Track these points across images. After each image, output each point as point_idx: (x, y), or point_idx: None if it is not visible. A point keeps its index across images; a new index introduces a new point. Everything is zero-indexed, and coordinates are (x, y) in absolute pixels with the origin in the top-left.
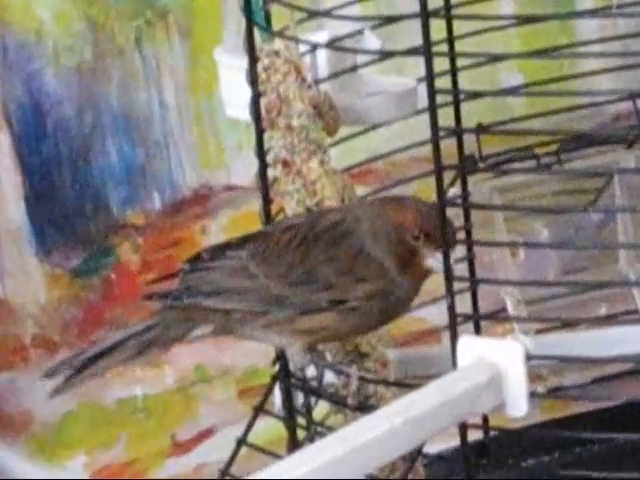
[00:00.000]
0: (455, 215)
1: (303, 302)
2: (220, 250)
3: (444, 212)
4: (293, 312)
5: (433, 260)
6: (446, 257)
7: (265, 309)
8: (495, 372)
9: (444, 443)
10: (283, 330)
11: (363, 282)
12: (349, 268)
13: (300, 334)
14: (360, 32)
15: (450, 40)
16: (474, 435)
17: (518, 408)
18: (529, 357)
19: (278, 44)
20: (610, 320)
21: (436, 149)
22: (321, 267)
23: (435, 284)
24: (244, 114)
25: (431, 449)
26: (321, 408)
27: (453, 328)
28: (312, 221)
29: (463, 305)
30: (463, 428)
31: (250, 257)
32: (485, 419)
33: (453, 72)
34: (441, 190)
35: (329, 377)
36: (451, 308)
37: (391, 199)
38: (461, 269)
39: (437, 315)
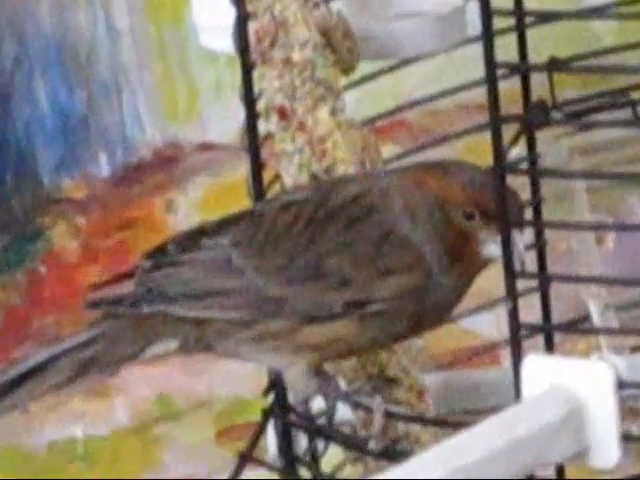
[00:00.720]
0: (520, 185)
1: (309, 306)
2: (192, 238)
3: (504, 181)
4: (294, 320)
5: (495, 247)
6: (508, 244)
7: (255, 317)
8: (574, 405)
9: None
10: (280, 345)
11: (391, 275)
12: (372, 257)
13: (304, 350)
14: None
15: None
16: None
17: (606, 456)
18: (621, 384)
19: None
20: None
21: (493, 93)
22: (333, 257)
23: (490, 281)
24: (225, 44)
25: None
26: (333, 455)
27: (516, 344)
28: (322, 195)
29: (530, 312)
30: None
31: (234, 246)
32: (560, 471)
33: None
34: (499, 150)
35: (344, 412)
36: (513, 315)
37: (432, 165)
38: (528, 261)
39: (494, 326)
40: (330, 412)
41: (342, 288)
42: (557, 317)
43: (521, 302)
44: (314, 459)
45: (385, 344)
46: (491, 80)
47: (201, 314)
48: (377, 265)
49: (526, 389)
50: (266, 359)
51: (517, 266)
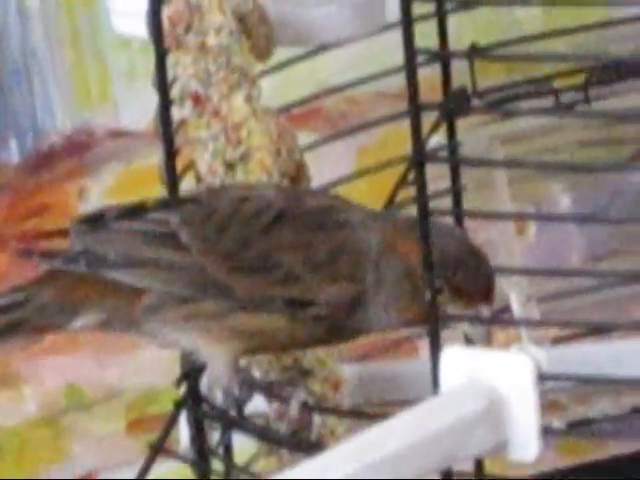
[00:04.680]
0: (440, 174)
1: (249, 294)
2: (132, 211)
3: (423, 168)
4: (230, 304)
5: (464, 325)
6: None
7: (193, 294)
8: (494, 398)
9: None
10: (209, 328)
11: (337, 283)
12: (325, 263)
13: (231, 338)
14: None
15: None
16: None
17: (526, 449)
18: (542, 377)
19: None
20: None
21: (412, 81)
22: (287, 253)
23: None
24: (139, 29)
25: None
26: (246, 447)
27: (435, 335)
28: (296, 198)
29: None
30: (448, 477)
31: (184, 224)
32: (479, 465)
33: None
34: (419, 139)
35: (258, 404)
36: (432, 306)
37: (412, 225)
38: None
39: None
40: (241, 403)
41: (287, 284)
42: None
43: None
44: (227, 451)
45: (307, 345)
46: (410, 67)
47: (140, 282)
48: (327, 271)
49: (445, 381)
50: (190, 343)
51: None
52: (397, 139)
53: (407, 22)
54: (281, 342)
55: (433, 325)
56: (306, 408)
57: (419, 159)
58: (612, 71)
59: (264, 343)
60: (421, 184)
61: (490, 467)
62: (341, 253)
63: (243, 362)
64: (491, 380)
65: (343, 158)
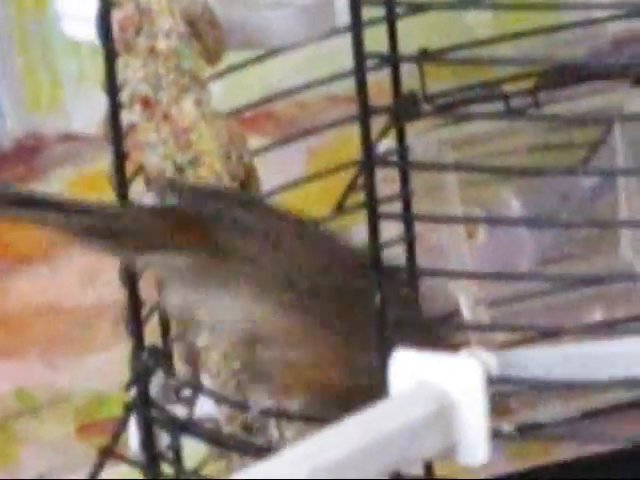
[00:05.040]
0: (389, 178)
1: None
2: None
3: (373, 173)
4: None
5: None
6: (375, 232)
7: None
8: (443, 402)
9: None
10: None
11: None
12: None
13: None
14: None
15: None
16: None
17: (475, 453)
18: (492, 381)
19: None
20: (607, 329)
21: (361, 84)
22: None
23: None
24: (89, 33)
25: None
26: (196, 451)
27: (383, 339)
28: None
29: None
30: None
31: None
32: (429, 468)
33: None
34: (368, 143)
35: (207, 407)
36: (380, 309)
37: None
38: (397, 255)
39: None
40: (190, 406)
41: None
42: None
43: None
44: (177, 455)
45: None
46: (360, 71)
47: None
48: None
49: (394, 385)
50: None
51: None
52: (348, 143)
53: (357, 26)
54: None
55: (381, 330)
56: (266, 413)
57: (368, 163)
58: (562, 75)
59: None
60: (370, 188)
61: (440, 471)
62: None
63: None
64: (441, 384)
65: (294, 162)
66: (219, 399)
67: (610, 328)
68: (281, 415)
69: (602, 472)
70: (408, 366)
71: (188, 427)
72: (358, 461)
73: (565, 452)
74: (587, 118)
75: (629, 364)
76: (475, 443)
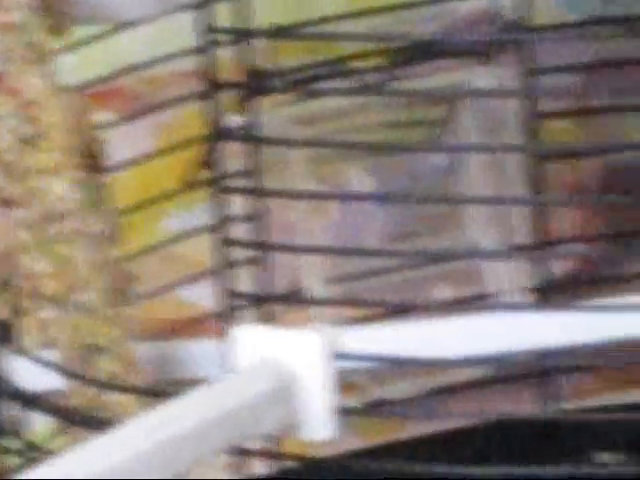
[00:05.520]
0: (237, 152)
1: None
2: None
3: (219, 147)
4: None
5: None
6: (222, 210)
7: None
8: (287, 377)
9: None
10: None
11: None
12: None
13: None
14: None
15: None
16: (259, 467)
17: (319, 429)
18: (337, 356)
19: None
20: (454, 307)
21: (210, 60)
22: None
23: (206, 251)
24: None
25: None
26: (43, 425)
27: (228, 314)
28: None
29: (247, 283)
30: (242, 456)
31: None
32: (277, 445)
33: None
34: (216, 118)
35: (53, 382)
36: (227, 285)
37: None
38: (244, 231)
39: (210, 296)
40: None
41: None
42: (276, 288)
43: (239, 274)
44: (21, 429)
45: None
46: (209, 46)
47: None
48: None
49: (239, 360)
50: None
51: None
52: (198, 119)
53: (206, 1)
54: None
55: (229, 304)
56: (109, 386)
57: (216, 138)
58: (414, 52)
59: None
60: (215, 163)
61: (289, 447)
62: None
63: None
64: (284, 359)
65: (143, 137)
66: (64, 372)
67: (457, 305)
68: (123, 390)
69: (453, 448)
70: (252, 342)
71: (33, 400)
72: (199, 435)
73: (413, 429)
74: (437, 94)
75: (476, 341)
76: (319, 419)
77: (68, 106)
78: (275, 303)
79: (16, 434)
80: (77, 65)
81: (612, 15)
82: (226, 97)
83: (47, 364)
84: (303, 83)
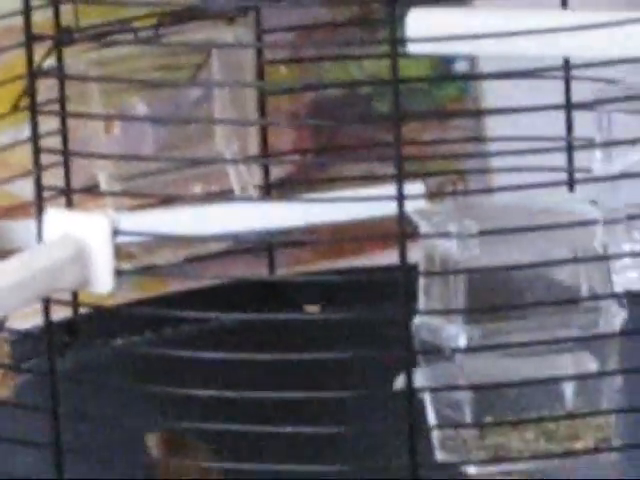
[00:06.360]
0: (49, 87)
1: None
2: None
3: (34, 84)
4: None
5: None
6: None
7: None
8: (80, 247)
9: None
10: None
11: None
12: None
13: None
14: None
15: None
16: (64, 313)
17: (104, 285)
18: (117, 232)
19: None
20: (206, 198)
21: (27, 17)
22: None
23: (25, 158)
24: None
25: (19, 326)
26: None
27: (40, 201)
28: None
29: (58, 181)
30: (47, 304)
31: None
32: (75, 296)
33: None
34: (30, 62)
35: None
36: (37, 180)
37: None
38: (54, 142)
39: (31, 190)
40: None
41: None
42: (76, 184)
43: (51, 173)
44: None
45: None
46: (26, 9)
47: None
48: None
49: (47, 235)
50: None
51: None
52: (23, 62)
53: None
54: None
55: (39, 195)
56: None
57: (32, 76)
58: (179, 15)
59: None
60: (33, 94)
61: (84, 298)
62: None
63: None
64: (80, 234)
65: None
66: None
67: (208, 198)
68: None
69: (201, 302)
70: (58, 222)
71: None
72: (18, 288)
73: (175, 286)
74: (194, 45)
75: (221, 223)
76: (104, 278)
77: None
78: (75, 193)
79: None
80: None
81: None
82: (40, 46)
83: None
84: (98, 36)
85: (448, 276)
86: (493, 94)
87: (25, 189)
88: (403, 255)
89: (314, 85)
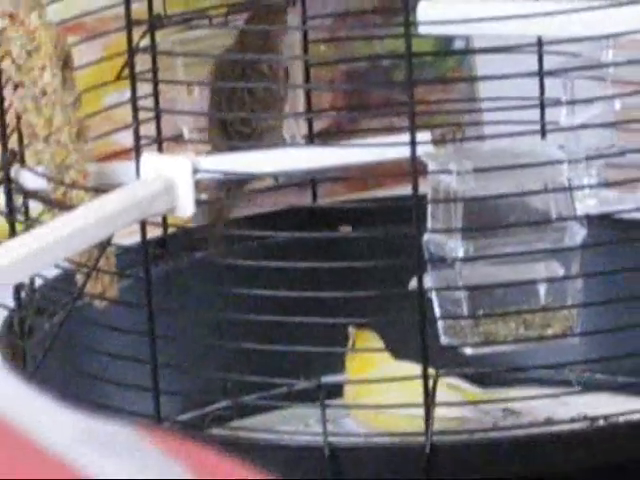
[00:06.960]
0: (144, 60)
1: None
2: None
3: (133, 60)
4: None
5: None
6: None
7: None
8: (168, 182)
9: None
10: None
11: None
12: None
13: None
14: None
15: None
16: (157, 232)
17: (186, 210)
18: (196, 171)
19: None
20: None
21: (128, 11)
22: None
23: (126, 115)
24: None
25: (123, 242)
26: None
27: (137, 148)
28: None
29: (151, 132)
30: (143, 225)
31: None
32: (164, 220)
33: None
34: (130, 42)
35: (39, 183)
36: (135, 132)
37: None
38: (149, 102)
39: (130, 139)
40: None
41: None
42: (164, 134)
43: (146, 126)
44: (26, 209)
45: None
46: (127, 2)
47: None
48: None
49: (143, 174)
50: None
51: None
52: (122, 44)
53: None
54: None
55: (137, 143)
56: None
57: (131, 53)
58: (243, 5)
59: None
60: (134, 65)
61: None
62: None
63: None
64: (168, 173)
65: (94, 51)
66: (49, 179)
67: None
68: (83, 188)
69: (264, 224)
70: (151, 164)
71: (32, 194)
72: (120, 214)
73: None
74: (255, 29)
75: (277, 164)
76: (186, 205)
77: (53, 32)
78: (164, 142)
79: (22, 212)
80: (57, 10)
81: None
82: (138, 30)
83: (39, 174)
84: (183, 22)
85: (450, 203)
86: (484, 65)
87: (126, 138)
88: (415, 187)
89: (346, 59)
